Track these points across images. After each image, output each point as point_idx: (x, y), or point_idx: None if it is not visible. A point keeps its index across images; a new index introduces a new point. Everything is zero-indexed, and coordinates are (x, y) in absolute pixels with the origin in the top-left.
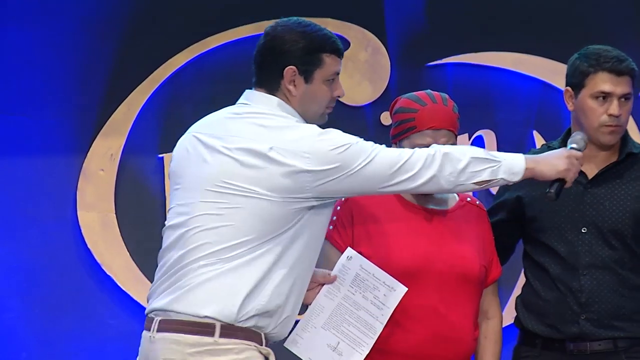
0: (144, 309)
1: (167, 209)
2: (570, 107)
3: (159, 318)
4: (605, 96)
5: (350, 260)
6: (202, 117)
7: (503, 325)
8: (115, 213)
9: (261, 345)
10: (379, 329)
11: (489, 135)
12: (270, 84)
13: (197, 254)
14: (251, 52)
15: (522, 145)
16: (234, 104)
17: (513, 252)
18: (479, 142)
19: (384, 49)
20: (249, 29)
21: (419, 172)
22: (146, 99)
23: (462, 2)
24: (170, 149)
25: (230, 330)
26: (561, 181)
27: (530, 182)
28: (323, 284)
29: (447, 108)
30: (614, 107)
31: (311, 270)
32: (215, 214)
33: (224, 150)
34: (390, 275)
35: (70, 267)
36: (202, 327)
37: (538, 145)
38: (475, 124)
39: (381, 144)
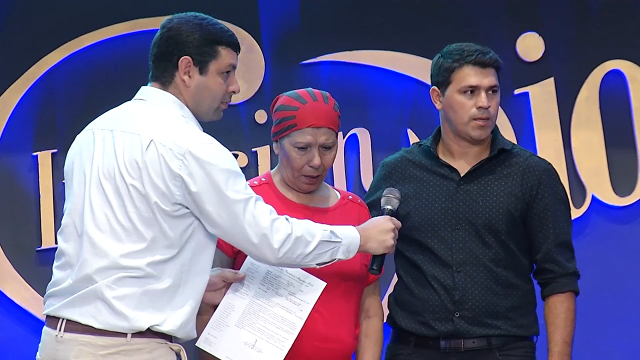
0: (18, 306)
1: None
2: (438, 106)
3: (66, 318)
4: (473, 90)
5: None
6: (76, 116)
7: None
8: None
9: (171, 341)
10: (299, 324)
11: (363, 134)
12: (165, 77)
13: (97, 263)
14: (125, 50)
15: (396, 143)
16: (108, 102)
17: None
18: (353, 141)
19: (258, 46)
20: (123, 27)
21: (276, 250)
22: (20, 97)
23: (336, 1)
24: (44, 147)
25: (141, 331)
26: (383, 254)
27: (410, 179)
28: (230, 283)
29: (327, 106)
30: (482, 100)
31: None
32: (106, 213)
33: (115, 143)
34: None
35: None
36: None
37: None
38: (349, 123)
39: (256, 142)
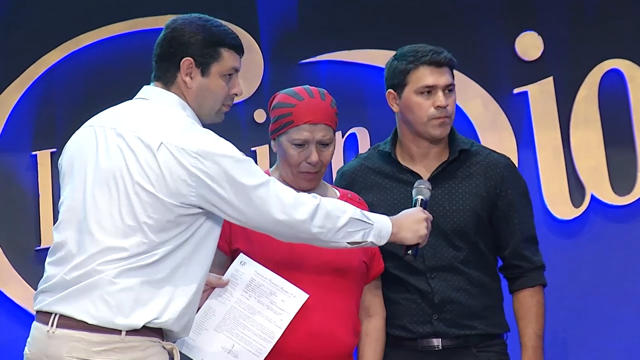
0: (17, 305)
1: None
2: (395, 109)
3: (58, 314)
4: (430, 90)
5: (244, 265)
6: (75, 115)
7: None
8: None
9: (163, 340)
10: (278, 334)
11: (362, 133)
12: (167, 77)
13: (99, 258)
14: (124, 49)
15: None
16: (107, 101)
17: None
18: (352, 140)
19: (257, 46)
20: (122, 26)
21: (304, 222)
22: (19, 96)
23: (334, 0)
24: (43, 146)
25: (136, 329)
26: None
27: (372, 187)
28: (214, 287)
29: (324, 103)
30: (440, 99)
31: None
32: (112, 212)
33: (119, 143)
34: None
35: None
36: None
37: None
38: (348, 122)
39: (255, 142)
